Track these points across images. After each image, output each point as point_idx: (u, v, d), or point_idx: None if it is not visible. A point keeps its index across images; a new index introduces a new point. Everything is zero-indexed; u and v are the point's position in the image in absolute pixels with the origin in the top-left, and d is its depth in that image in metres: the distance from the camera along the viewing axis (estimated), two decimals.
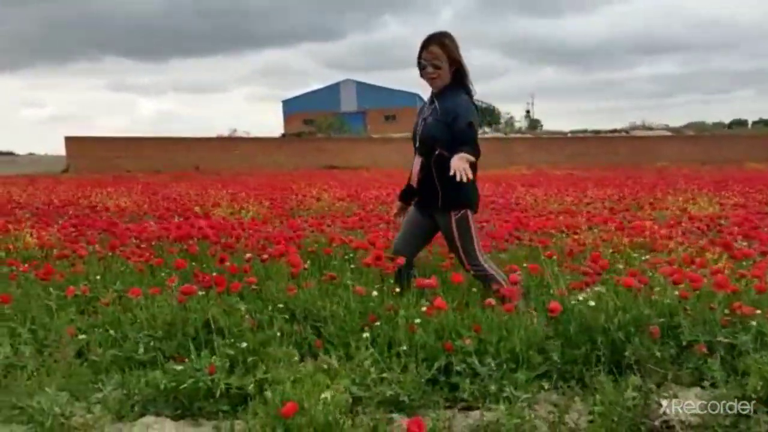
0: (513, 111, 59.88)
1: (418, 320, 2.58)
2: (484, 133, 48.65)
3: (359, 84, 58.41)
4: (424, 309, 2.63)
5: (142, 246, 4.17)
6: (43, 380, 2.45)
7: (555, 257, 3.47)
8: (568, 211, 6.41)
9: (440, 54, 2.97)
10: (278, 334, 2.55)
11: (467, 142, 2.87)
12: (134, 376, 2.38)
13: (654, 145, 37.29)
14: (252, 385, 2.29)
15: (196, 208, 7.43)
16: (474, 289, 3.13)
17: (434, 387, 2.37)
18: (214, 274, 3.14)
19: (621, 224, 4.35)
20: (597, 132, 47.56)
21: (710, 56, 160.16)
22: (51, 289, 3.12)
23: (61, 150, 35.17)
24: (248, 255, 3.49)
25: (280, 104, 60.14)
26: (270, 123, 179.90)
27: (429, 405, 2.31)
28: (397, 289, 3.03)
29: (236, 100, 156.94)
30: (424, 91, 3.21)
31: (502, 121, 58.36)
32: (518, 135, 45.29)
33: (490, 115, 55.63)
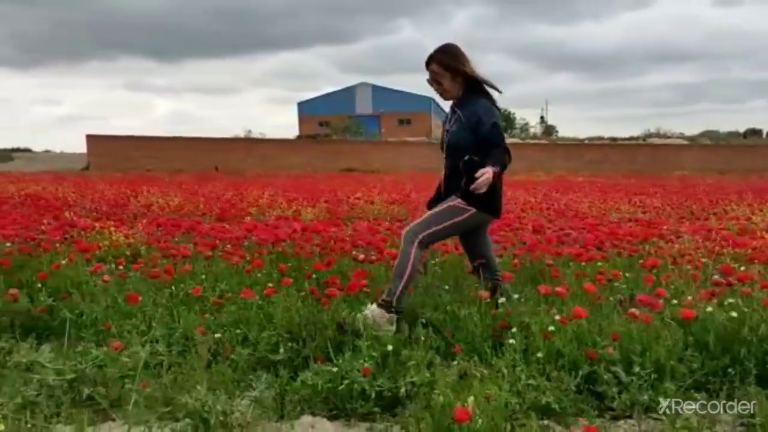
0: (527, 116, 59.90)
1: (552, 327, 2.58)
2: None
3: (374, 87, 58.47)
4: (557, 317, 2.63)
5: (227, 247, 4.20)
6: (188, 378, 2.48)
7: (661, 265, 3.46)
8: (639, 221, 6.38)
9: (440, 71, 3.06)
10: (421, 338, 2.57)
11: (497, 143, 2.94)
12: (283, 377, 2.40)
13: (672, 154, 37.14)
14: (404, 388, 2.31)
15: (252, 210, 7.47)
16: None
17: (578, 395, 2.38)
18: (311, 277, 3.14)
19: (725, 234, 4.32)
20: (614, 139, 47.44)
21: (726, 65, 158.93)
22: (166, 289, 3.15)
23: (77, 147, 35.54)
24: (361, 256, 3.51)
25: (294, 106, 60.34)
26: (284, 124, 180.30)
27: (579, 413, 2.32)
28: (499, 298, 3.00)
29: (250, 102, 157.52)
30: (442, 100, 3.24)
31: (517, 126, 58.27)
32: (534, 141, 45.18)
33: (505, 120, 55.69)
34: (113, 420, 2.35)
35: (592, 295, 2.95)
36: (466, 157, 2.99)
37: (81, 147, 35.10)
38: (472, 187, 2.77)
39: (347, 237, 4.53)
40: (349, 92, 58.45)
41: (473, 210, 3.00)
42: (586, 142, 44.84)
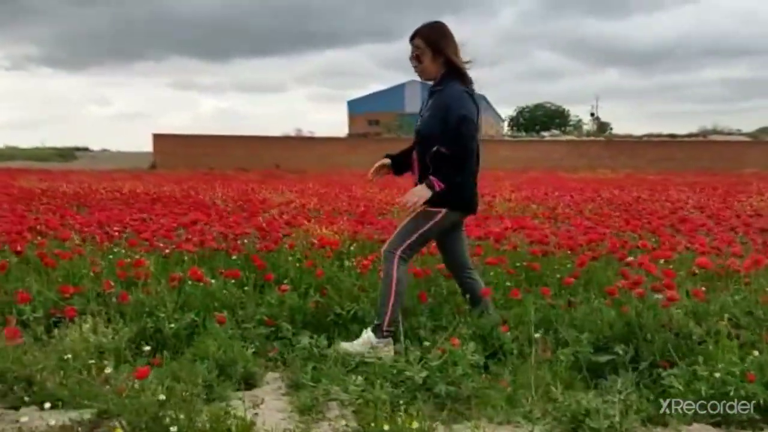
0: (576, 113, 58.76)
1: None
2: (554, 135, 47.97)
3: (423, 85, 57.80)
4: None
5: None
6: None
7: None
8: None
9: (422, 47, 2.88)
10: None
11: (459, 142, 2.75)
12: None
13: (738, 151, 35.87)
14: None
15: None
16: None
17: None
18: None
19: None
20: (673, 136, 46.06)
21: None
22: None
23: (131, 146, 36.47)
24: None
25: (340, 104, 61.06)
26: (331, 123, 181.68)
27: None
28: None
29: (296, 100, 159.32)
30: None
31: (571, 123, 57.22)
32: (591, 138, 44.23)
33: (559, 117, 54.76)
34: (467, 420, 2.33)
35: None
36: (435, 148, 2.82)
37: (135, 145, 36.15)
38: (401, 201, 2.66)
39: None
40: (398, 90, 58.40)
41: (444, 210, 2.86)
42: (645, 139, 43.67)
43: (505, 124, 60.66)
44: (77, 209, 7.25)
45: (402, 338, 2.87)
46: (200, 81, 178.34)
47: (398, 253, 2.87)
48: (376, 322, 2.92)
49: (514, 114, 59.34)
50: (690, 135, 47.90)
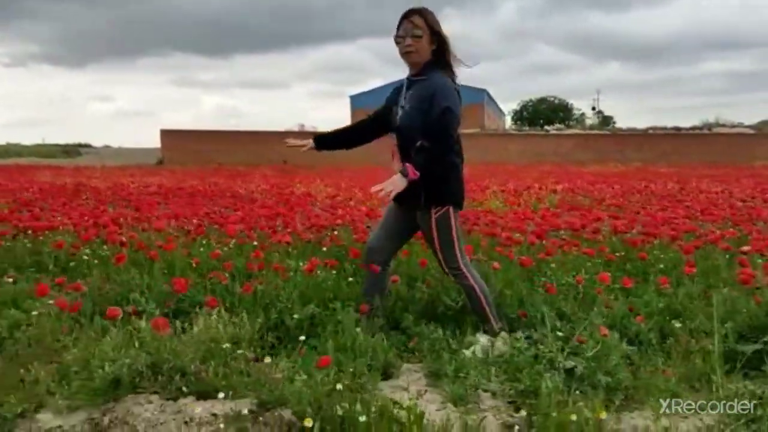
0: (578, 107, 58.88)
1: None
2: (559, 129, 47.93)
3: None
4: None
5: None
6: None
7: None
8: None
9: (422, 24, 2.72)
10: None
11: (440, 135, 2.64)
12: None
13: (744, 144, 35.93)
14: None
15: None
16: None
17: None
18: None
19: None
20: (678, 129, 46.11)
21: None
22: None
23: (133, 142, 36.31)
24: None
25: (342, 100, 60.87)
26: (333, 118, 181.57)
27: None
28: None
29: (298, 96, 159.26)
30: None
31: (574, 117, 57.19)
32: (597, 132, 44.21)
33: (562, 111, 54.69)
34: (630, 411, 2.31)
35: None
36: (418, 143, 2.66)
37: (138, 142, 35.98)
38: (375, 189, 2.56)
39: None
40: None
41: (448, 206, 2.79)
42: (651, 132, 43.72)
43: (509, 118, 60.65)
44: (126, 203, 7.19)
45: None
46: (202, 77, 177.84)
47: (460, 265, 2.85)
48: (484, 328, 2.89)
49: (518, 108, 59.34)
50: (694, 128, 47.95)
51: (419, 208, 2.82)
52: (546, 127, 49.31)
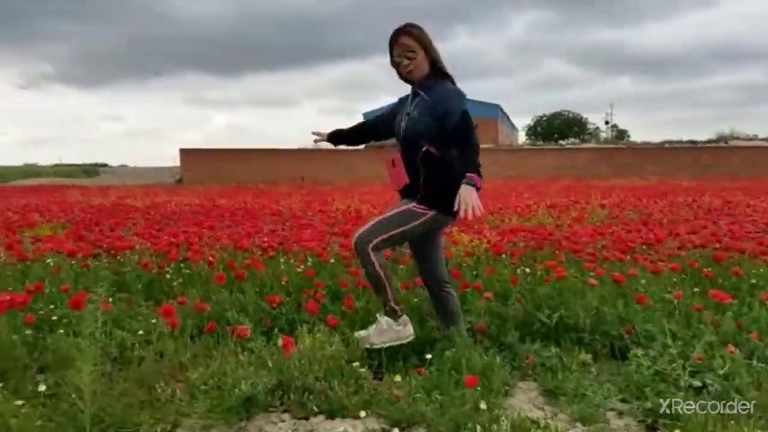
0: (592, 121, 58.72)
1: None
2: (573, 143, 47.86)
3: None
4: None
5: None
6: None
7: None
8: None
9: (412, 43, 2.73)
10: None
11: (466, 138, 2.58)
12: None
13: (763, 156, 35.65)
14: None
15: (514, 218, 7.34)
16: None
17: None
18: None
19: None
20: (693, 142, 45.90)
21: None
22: None
23: (147, 161, 36.59)
24: None
25: (351, 116, 61.01)
26: None
27: None
28: None
29: (308, 113, 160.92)
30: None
31: (589, 131, 57.07)
32: (612, 145, 44.08)
33: (577, 125, 54.61)
34: None
35: None
36: (424, 148, 2.65)
37: (151, 160, 36.29)
38: (459, 210, 2.46)
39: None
40: None
41: (431, 213, 2.68)
42: (667, 146, 43.54)
43: (523, 133, 60.64)
44: (170, 222, 7.23)
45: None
46: (212, 96, 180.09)
47: (371, 245, 2.63)
48: (386, 308, 2.74)
49: (532, 123, 59.34)
50: (710, 141, 47.71)
51: (412, 198, 2.72)
52: (560, 142, 49.30)
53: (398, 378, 2.44)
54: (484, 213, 2.56)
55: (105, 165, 62.62)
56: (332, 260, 4.00)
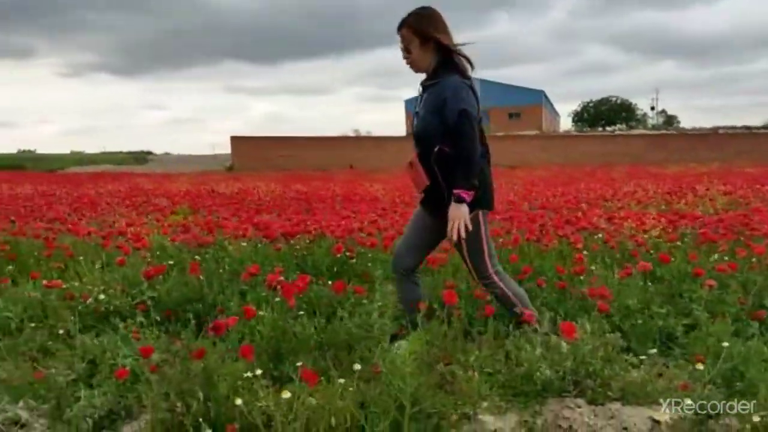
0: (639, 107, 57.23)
1: None
2: (622, 130, 46.90)
3: (483, 81, 57.47)
4: None
5: None
6: None
7: None
8: None
9: (409, 36, 2.63)
10: None
11: (459, 144, 2.49)
12: None
13: None
14: None
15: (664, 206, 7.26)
16: None
17: None
18: None
19: None
20: (748, 128, 44.59)
21: None
22: None
23: (191, 149, 37.19)
24: None
25: (388, 103, 61.95)
26: (381, 122, 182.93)
27: None
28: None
29: (345, 101, 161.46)
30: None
31: (637, 117, 55.82)
32: (665, 131, 43.10)
33: (626, 111, 53.44)
34: None
35: None
36: (437, 148, 2.58)
37: (191, 149, 36.97)
38: (453, 237, 2.51)
39: None
40: None
41: (477, 211, 2.62)
42: (721, 131, 42.35)
43: (569, 119, 59.65)
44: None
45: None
46: (250, 85, 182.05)
47: (491, 273, 2.71)
48: (527, 326, 2.61)
49: (579, 109, 58.27)
50: (766, 126, 46.27)
51: (446, 213, 2.59)
52: (607, 128, 48.35)
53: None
54: (462, 237, 2.54)
55: (150, 153, 63.82)
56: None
